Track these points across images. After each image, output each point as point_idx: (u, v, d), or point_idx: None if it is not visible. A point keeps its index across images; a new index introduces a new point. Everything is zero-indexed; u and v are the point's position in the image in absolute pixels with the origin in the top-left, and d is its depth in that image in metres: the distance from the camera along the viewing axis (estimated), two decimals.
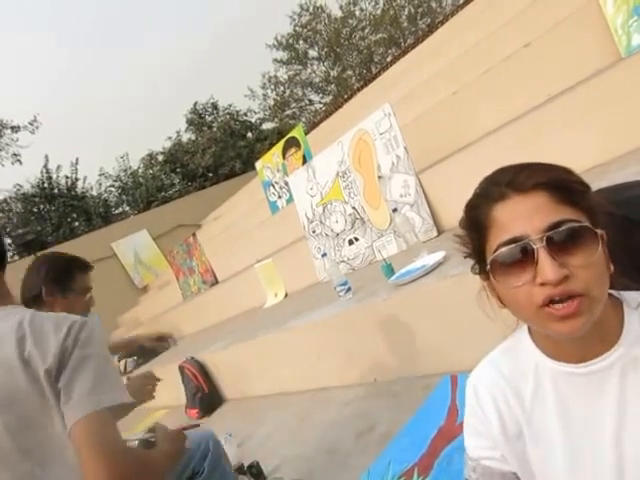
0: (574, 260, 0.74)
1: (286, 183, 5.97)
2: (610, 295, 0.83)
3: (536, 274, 0.75)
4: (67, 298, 2.27)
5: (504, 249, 0.78)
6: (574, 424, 0.85)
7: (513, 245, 0.77)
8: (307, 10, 27.11)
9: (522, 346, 0.92)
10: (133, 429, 5.50)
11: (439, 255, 2.98)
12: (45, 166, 18.12)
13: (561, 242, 0.74)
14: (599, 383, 0.82)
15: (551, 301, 0.74)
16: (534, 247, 0.75)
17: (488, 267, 0.81)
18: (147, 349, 6.86)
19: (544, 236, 0.74)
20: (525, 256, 0.76)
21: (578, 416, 0.85)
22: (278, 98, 27.98)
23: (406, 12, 27.62)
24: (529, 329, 0.92)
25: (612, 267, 0.80)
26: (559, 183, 0.77)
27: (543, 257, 0.74)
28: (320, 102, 28.47)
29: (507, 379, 0.92)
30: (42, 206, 18.04)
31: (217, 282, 7.01)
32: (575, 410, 0.85)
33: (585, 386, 0.83)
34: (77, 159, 18.76)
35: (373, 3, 27.31)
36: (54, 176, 18.35)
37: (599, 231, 0.76)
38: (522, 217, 0.77)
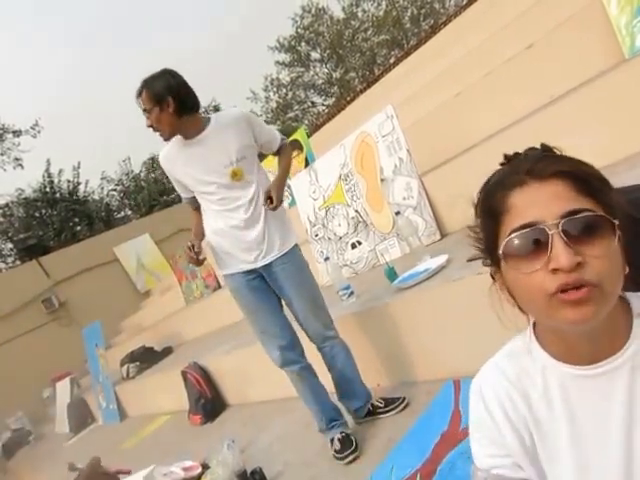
0: (589, 250, 0.73)
1: (288, 186, 5.94)
2: (619, 296, 0.81)
3: (549, 260, 0.73)
4: None
5: (517, 234, 0.77)
6: (582, 427, 0.84)
7: (528, 229, 0.76)
8: (309, 12, 27.07)
9: (527, 349, 0.90)
10: (139, 434, 5.49)
11: (442, 259, 2.96)
12: (47, 170, 18.06)
13: (577, 230, 0.73)
14: (608, 385, 0.81)
15: (563, 289, 0.73)
16: (549, 232, 0.74)
17: (500, 252, 0.80)
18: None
19: (560, 222, 0.73)
20: (539, 241, 0.75)
21: (586, 418, 0.83)
22: (280, 100, 27.96)
23: (409, 13, 27.54)
24: (535, 333, 0.90)
25: (627, 269, 0.79)
26: (579, 173, 0.77)
27: (557, 243, 0.73)
28: (323, 104, 28.45)
29: (512, 382, 0.90)
30: (44, 210, 17.94)
31: (220, 287, 6.97)
32: (583, 413, 0.84)
33: (593, 388, 0.82)
34: (79, 163, 18.66)
35: (375, 4, 27.22)
36: (56, 180, 18.27)
37: (616, 222, 0.75)
38: (539, 203, 0.76)
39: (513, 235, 0.77)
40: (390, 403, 2.82)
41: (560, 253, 0.72)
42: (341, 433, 2.67)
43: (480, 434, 0.94)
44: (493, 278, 0.90)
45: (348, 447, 2.61)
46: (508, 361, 0.92)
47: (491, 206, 0.83)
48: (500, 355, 0.95)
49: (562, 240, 0.73)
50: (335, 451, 2.64)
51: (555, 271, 0.73)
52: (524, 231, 0.76)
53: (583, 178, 0.77)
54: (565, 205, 0.74)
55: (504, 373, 0.92)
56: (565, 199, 0.75)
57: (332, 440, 2.68)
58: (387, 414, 2.79)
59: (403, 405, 2.80)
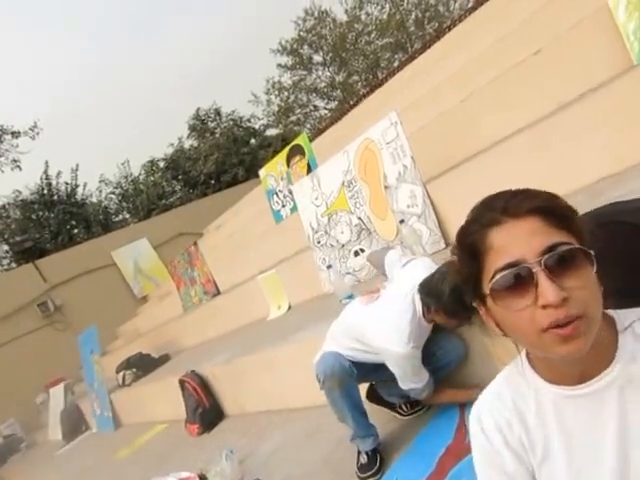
0: (571, 282, 0.76)
1: (290, 191, 5.89)
2: (603, 314, 0.84)
3: (537, 297, 0.76)
4: None
5: (503, 273, 0.79)
6: (577, 446, 0.86)
7: (512, 269, 0.78)
8: (312, 15, 26.96)
9: (521, 373, 0.93)
10: (134, 443, 5.42)
11: None
12: (45, 172, 17.92)
13: (558, 264, 0.76)
14: (599, 403, 0.84)
15: (555, 325, 0.75)
16: (533, 270, 0.76)
17: (487, 292, 0.82)
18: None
19: (542, 259, 0.76)
20: (525, 280, 0.77)
21: (580, 437, 0.86)
22: (282, 104, 27.82)
23: (413, 16, 27.40)
24: (527, 356, 0.93)
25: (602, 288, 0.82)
26: (551, 208, 0.80)
27: (543, 280, 0.75)
28: (325, 108, 28.36)
29: (509, 407, 0.93)
30: (41, 213, 17.78)
31: (219, 293, 6.93)
32: (577, 432, 0.86)
33: (585, 407, 0.85)
34: (77, 165, 18.48)
35: (379, 7, 27.05)
36: (54, 182, 18.09)
37: (592, 252, 0.78)
38: (518, 241, 0.79)
39: (499, 275, 0.79)
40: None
41: (546, 290, 0.75)
42: (371, 447, 2.56)
43: (481, 457, 0.97)
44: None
45: (373, 466, 2.50)
46: (504, 386, 0.96)
47: (471, 245, 0.85)
48: (497, 381, 0.98)
49: (547, 277, 0.75)
50: (360, 466, 2.54)
51: (545, 307, 0.75)
52: (509, 271, 0.78)
53: (555, 212, 0.80)
54: (543, 241, 0.77)
55: (501, 398, 0.95)
56: (542, 234, 0.78)
57: (360, 453, 2.57)
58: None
59: None
